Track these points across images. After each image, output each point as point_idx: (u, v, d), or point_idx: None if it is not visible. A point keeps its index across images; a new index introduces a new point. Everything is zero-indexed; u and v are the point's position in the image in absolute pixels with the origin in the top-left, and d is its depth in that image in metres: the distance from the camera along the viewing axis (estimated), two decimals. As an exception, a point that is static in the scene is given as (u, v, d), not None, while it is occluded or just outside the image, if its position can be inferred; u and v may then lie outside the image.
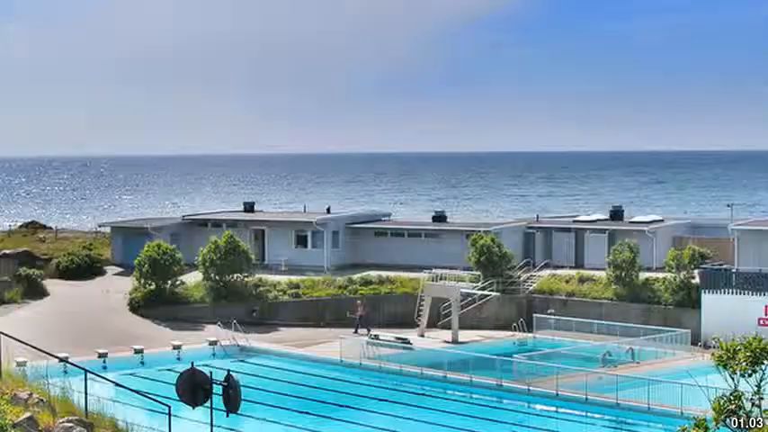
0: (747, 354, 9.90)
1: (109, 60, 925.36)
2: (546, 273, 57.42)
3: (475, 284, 53.00)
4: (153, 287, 54.10)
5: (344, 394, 41.43)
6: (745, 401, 9.88)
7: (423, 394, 41.67)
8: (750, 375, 9.96)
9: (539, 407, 39.60)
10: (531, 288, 55.62)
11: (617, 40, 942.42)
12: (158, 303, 53.58)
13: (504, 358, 42.99)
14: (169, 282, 54.32)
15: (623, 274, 52.51)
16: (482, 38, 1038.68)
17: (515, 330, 51.56)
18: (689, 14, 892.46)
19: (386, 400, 40.57)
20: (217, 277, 54.70)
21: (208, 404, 17.35)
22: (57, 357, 25.73)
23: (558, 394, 39.18)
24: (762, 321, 47.07)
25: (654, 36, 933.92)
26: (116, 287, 57.17)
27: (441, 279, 53.10)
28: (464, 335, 50.73)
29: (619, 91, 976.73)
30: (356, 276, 57.66)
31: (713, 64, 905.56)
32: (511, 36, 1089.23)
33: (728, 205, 71.49)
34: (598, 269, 55.70)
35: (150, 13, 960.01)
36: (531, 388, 40.17)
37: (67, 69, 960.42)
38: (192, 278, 56.05)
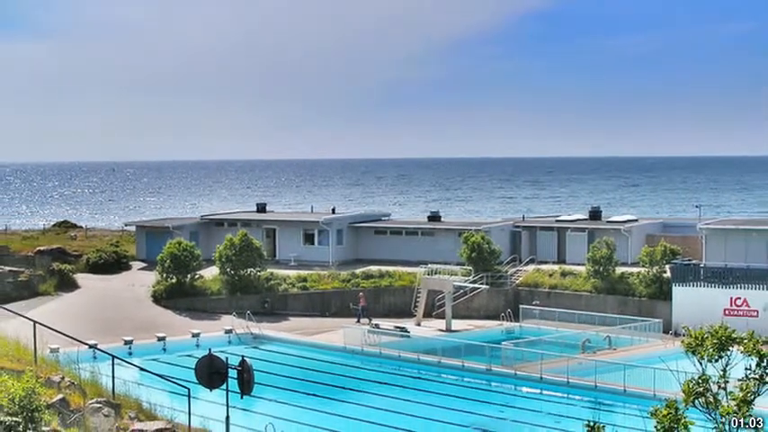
0: (714, 341, 9.89)
1: (135, 73, 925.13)
2: (531, 267, 57.41)
3: (466, 278, 52.97)
4: (174, 281, 54.10)
5: (347, 378, 41.46)
6: (711, 384, 9.88)
7: (419, 378, 41.65)
8: (716, 361, 9.95)
9: (524, 389, 39.59)
10: (518, 281, 55.61)
11: (602, 55, 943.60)
12: (179, 295, 53.58)
13: (493, 345, 42.98)
14: (189, 276, 54.31)
15: (601, 268, 52.51)
16: (476, 52, 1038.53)
17: (503, 320, 51.55)
18: (672, 32, 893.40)
19: (385, 384, 40.53)
20: (232, 272, 54.68)
21: (224, 387, 17.36)
22: (86, 344, 25.75)
23: (542, 378, 39.13)
24: (727, 312, 47.07)
25: (637, 51, 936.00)
26: (140, 281, 57.17)
27: (435, 273, 53.08)
28: (456, 324, 50.71)
29: (598, 102, 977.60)
30: (358, 271, 57.64)
31: (688, 79, 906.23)
32: (502, 50, 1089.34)
33: (696, 206, 71.45)
34: (578, 264, 55.69)
35: (174, 30, 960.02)
36: (517, 372, 40.16)
37: (96, 81, 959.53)
38: (210, 272, 56.04)
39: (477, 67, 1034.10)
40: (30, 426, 12.62)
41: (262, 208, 71.05)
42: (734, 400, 9.59)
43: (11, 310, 20.36)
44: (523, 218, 67.65)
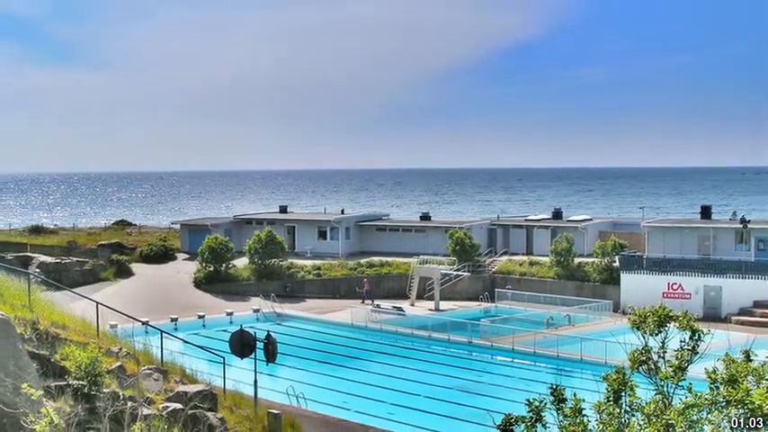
0: (655, 319, 9.91)
1: (178, 97, 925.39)
2: (504, 258, 57.41)
3: (452, 267, 52.97)
4: (211, 269, 54.09)
5: (354, 349, 41.44)
6: (653, 354, 9.90)
7: (412, 349, 41.62)
8: (657, 335, 9.97)
9: (499, 358, 39.58)
10: (494, 270, 55.61)
11: (563, 83, 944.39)
12: (216, 281, 53.58)
13: (473, 322, 42.97)
14: (224, 265, 54.29)
15: (562, 259, 52.53)
16: (458, 80, 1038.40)
17: (482, 301, 51.55)
18: (622, 64, 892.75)
19: (385, 354, 40.56)
20: (259, 261, 54.68)
21: (253, 356, 17.37)
22: (140, 321, 25.73)
23: (513, 349, 39.17)
24: (665, 294, 47.11)
25: (592, 80, 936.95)
26: (184, 269, 57.17)
27: (426, 263, 53.09)
28: (443, 304, 50.71)
29: (560, 123, 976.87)
30: (363, 261, 57.64)
31: (635, 103, 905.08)
32: (479, 80, 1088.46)
33: (640, 208, 71.51)
34: (543, 255, 55.71)
35: (210, 62, 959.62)
36: (493, 344, 40.17)
37: (146, 104, 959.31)
38: (241, 262, 56.04)
39: (459, 93, 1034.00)
40: (93, 388, 12.65)
41: (284, 209, 71.07)
42: (671, 367, 9.61)
43: (78, 293, 20.37)
44: (498, 217, 67.68)
